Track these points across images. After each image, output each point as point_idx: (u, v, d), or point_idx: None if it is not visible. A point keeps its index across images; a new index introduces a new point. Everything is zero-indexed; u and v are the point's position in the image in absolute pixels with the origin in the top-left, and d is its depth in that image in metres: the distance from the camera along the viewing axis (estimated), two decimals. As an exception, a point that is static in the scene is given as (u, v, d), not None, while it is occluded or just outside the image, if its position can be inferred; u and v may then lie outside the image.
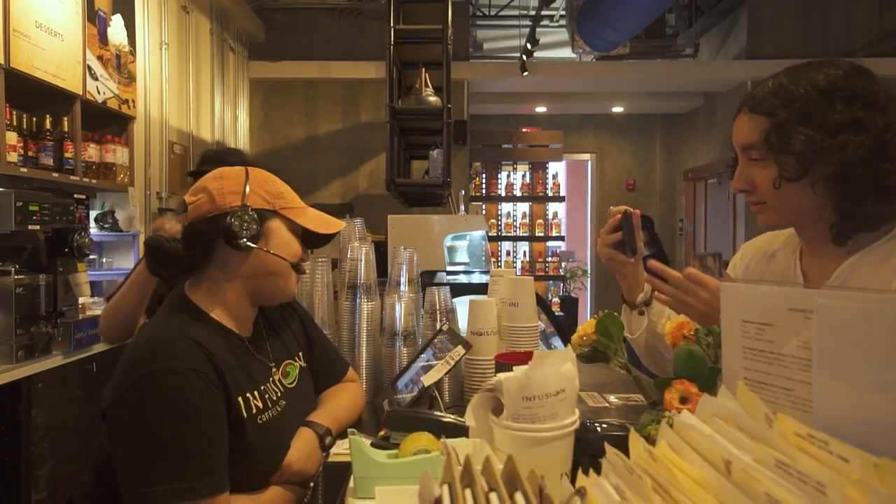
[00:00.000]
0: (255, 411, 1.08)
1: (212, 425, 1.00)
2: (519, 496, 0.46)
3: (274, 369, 1.19)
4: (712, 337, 0.93)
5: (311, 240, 1.22)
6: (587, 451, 0.90)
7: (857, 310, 0.55)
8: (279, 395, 1.17)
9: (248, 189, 1.11)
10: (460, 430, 0.95)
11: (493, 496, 0.47)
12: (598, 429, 0.95)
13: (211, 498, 0.96)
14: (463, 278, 2.95)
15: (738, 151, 1.13)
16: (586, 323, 1.10)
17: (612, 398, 1.37)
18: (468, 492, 0.48)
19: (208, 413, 1.00)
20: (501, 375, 0.84)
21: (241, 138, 5.51)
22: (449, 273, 3.11)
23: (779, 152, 1.03)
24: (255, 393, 1.10)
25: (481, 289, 1.83)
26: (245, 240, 1.08)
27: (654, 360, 1.34)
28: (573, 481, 0.58)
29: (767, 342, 0.69)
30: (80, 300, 2.64)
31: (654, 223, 5.15)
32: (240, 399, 1.06)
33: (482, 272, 3.15)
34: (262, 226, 1.11)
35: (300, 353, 1.29)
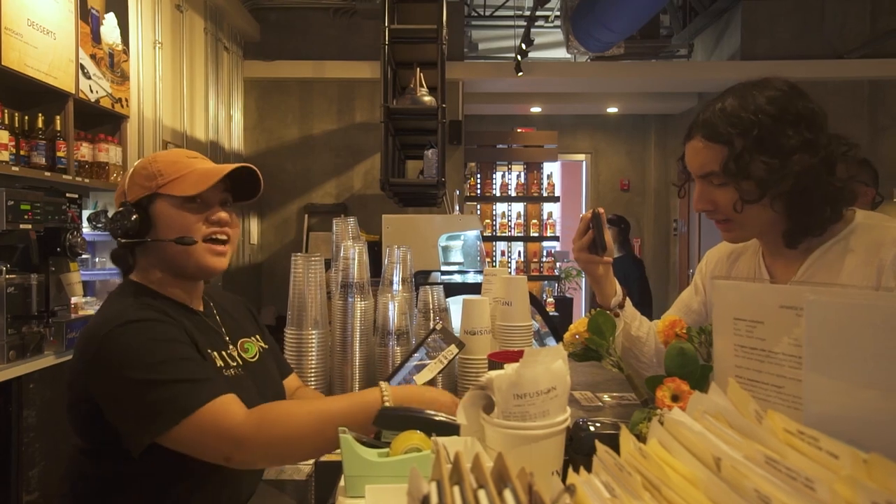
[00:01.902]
0: (220, 365, 1.11)
1: (183, 348, 1.02)
2: (508, 493, 0.46)
3: (231, 345, 1.21)
4: (704, 335, 0.93)
5: (236, 194, 1.17)
6: (581, 450, 0.90)
7: (847, 307, 0.55)
8: (238, 364, 1.18)
9: (126, 184, 1.12)
10: (451, 429, 0.95)
11: (482, 493, 0.46)
12: (591, 428, 0.95)
13: (211, 402, 0.96)
14: (457, 278, 2.95)
15: (696, 176, 1.18)
16: (578, 321, 1.10)
17: (605, 397, 1.37)
18: (456, 489, 0.47)
19: (175, 341, 1.02)
20: (493, 373, 0.84)
21: (235, 138, 5.49)
22: (443, 273, 3.11)
23: (740, 178, 1.09)
24: (215, 353, 1.13)
25: (475, 289, 1.82)
26: (125, 239, 1.11)
27: (629, 362, 1.35)
28: (565, 480, 0.57)
29: (759, 339, 0.69)
30: (73, 300, 2.63)
31: (629, 225, 5.12)
32: (208, 350, 1.10)
33: (476, 272, 3.15)
34: (149, 212, 1.11)
35: (258, 336, 1.30)
